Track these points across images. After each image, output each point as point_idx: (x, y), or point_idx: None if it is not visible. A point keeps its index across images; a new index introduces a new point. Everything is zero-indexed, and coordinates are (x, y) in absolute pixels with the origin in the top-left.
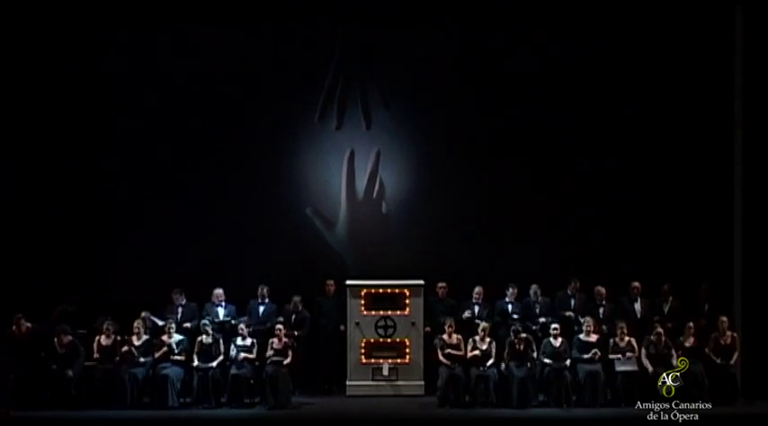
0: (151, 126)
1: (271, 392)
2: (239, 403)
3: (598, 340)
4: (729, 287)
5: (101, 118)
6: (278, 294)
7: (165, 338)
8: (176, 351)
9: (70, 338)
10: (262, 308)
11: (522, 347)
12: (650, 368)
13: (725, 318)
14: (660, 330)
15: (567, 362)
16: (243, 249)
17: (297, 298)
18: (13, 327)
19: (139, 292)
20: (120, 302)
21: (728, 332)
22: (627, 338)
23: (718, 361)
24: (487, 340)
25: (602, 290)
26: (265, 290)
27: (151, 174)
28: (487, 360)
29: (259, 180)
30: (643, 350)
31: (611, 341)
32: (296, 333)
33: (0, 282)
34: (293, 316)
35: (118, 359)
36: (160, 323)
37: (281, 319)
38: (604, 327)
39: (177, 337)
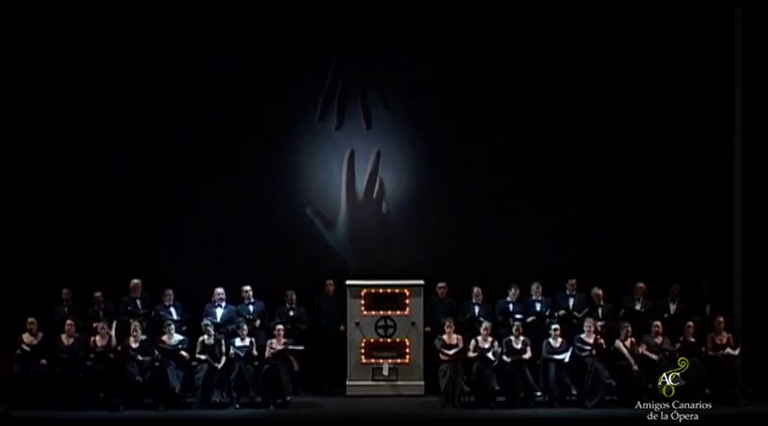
0: (151, 126)
1: (271, 392)
2: (240, 402)
3: (596, 340)
4: (729, 287)
5: (101, 117)
6: (278, 294)
7: (165, 338)
8: (178, 347)
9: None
10: (252, 308)
11: (520, 346)
12: (654, 357)
13: (722, 319)
14: (658, 323)
15: (560, 356)
16: (242, 249)
17: (292, 293)
18: (26, 333)
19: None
20: (118, 301)
21: (724, 333)
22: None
23: (712, 357)
24: (490, 339)
25: (599, 292)
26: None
27: (150, 175)
28: (490, 359)
29: (259, 180)
30: (644, 345)
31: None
32: (303, 327)
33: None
34: (291, 312)
35: (112, 356)
36: (176, 316)
37: (277, 319)
38: (599, 324)
39: (177, 337)
